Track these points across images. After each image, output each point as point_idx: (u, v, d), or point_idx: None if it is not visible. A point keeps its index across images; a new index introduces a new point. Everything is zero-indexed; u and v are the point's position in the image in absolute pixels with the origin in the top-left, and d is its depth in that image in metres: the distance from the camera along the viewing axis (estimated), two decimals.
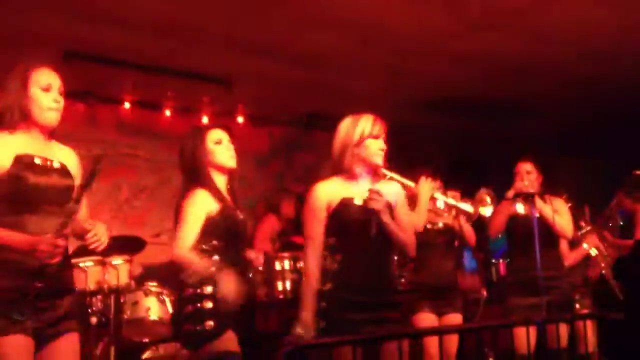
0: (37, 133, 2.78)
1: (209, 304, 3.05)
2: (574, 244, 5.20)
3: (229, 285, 3.01)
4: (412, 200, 4.02)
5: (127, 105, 6.77)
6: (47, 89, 2.75)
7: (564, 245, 4.98)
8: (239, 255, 3.26)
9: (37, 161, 2.73)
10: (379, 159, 3.15)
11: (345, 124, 3.20)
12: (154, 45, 5.67)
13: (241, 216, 3.29)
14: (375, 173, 3.19)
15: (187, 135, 3.43)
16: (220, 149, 3.32)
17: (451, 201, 4.32)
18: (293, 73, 6.30)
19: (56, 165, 2.79)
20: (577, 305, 5.26)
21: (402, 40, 5.72)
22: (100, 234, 2.73)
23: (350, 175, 3.14)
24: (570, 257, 5.13)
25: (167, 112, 6.97)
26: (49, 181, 2.73)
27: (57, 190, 2.74)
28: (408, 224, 3.26)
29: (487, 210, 4.33)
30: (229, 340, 3.05)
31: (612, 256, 5.50)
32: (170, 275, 3.56)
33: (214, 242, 3.15)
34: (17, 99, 2.72)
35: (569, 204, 4.98)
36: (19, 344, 2.56)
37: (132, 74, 6.04)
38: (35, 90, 2.74)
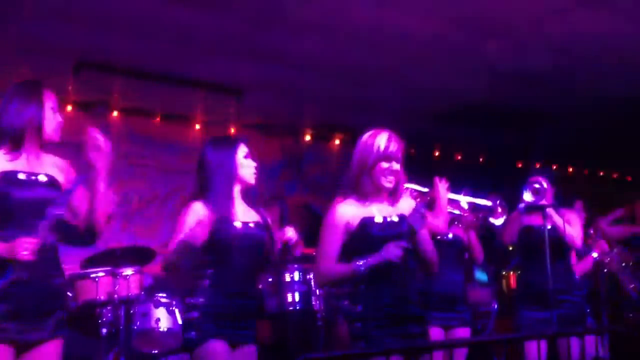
0: (31, 148, 2.86)
1: (194, 314, 3.11)
2: (582, 254, 5.16)
3: None
4: (431, 205, 4.01)
5: (137, 115, 6.80)
6: (54, 109, 2.92)
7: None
8: (237, 270, 3.18)
9: (21, 176, 2.80)
10: (388, 183, 3.12)
11: (361, 145, 3.16)
12: (162, 54, 5.68)
13: (239, 227, 3.19)
14: (392, 192, 3.17)
15: (214, 144, 3.36)
16: (249, 163, 3.30)
17: (470, 199, 4.33)
18: (307, 82, 6.29)
19: (42, 178, 2.85)
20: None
21: (413, 49, 5.71)
22: None
23: (368, 195, 3.14)
24: (578, 267, 5.08)
25: (197, 126, 6.86)
26: (34, 195, 2.80)
27: (42, 204, 2.79)
28: (430, 243, 3.26)
29: (498, 220, 4.33)
30: (211, 352, 3.04)
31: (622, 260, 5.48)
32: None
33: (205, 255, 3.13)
34: (36, 117, 2.84)
35: (585, 214, 5.04)
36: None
37: (140, 83, 6.06)
38: (48, 109, 2.89)
